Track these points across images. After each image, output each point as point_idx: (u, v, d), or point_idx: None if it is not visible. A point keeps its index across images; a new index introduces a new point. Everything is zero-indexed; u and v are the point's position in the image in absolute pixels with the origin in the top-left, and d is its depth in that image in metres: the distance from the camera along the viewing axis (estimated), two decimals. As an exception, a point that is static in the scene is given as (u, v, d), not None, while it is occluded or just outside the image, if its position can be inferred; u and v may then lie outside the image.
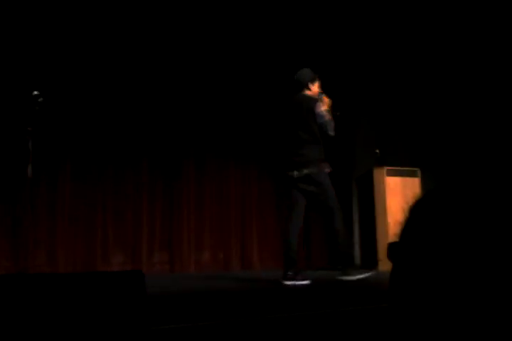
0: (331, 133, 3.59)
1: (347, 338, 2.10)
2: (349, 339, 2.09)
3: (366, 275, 3.78)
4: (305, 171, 3.61)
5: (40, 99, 3.21)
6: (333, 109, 3.67)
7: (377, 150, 5.12)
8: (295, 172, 3.65)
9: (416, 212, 0.74)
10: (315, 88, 3.72)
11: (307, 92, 3.72)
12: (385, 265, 5.01)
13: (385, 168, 5.07)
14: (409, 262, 0.69)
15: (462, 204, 0.65)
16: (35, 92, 3.21)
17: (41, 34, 4.57)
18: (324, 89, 3.86)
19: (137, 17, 5.03)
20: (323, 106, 3.60)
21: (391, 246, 0.82)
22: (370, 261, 5.36)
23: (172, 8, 5.17)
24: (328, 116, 3.57)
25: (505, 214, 0.61)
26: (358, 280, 3.69)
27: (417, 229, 0.72)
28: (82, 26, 4.78)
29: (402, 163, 5.25)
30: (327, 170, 3.66)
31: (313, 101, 3.62)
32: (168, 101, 5.26)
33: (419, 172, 5.18)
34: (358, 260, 5.87)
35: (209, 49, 5.40)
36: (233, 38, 5.48)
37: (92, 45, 4.85)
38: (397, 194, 5.01)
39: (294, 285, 3.58)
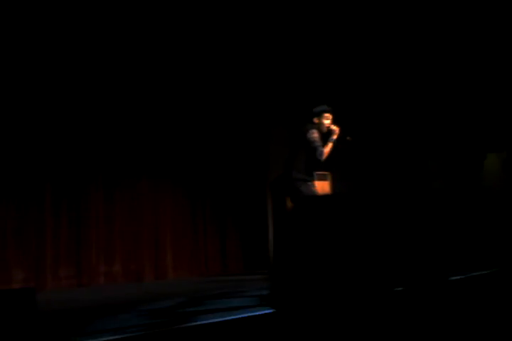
0: (319, 157, 4.01)
1: None
2: None
3: None
4: None
5: None
6: (341, 136, 4.12)
7: (348, 137, 5.19)
8: None
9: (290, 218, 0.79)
10: (319, 120, 4.12)
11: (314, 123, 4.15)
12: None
13: (297, 172, 5.15)
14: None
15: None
16: None
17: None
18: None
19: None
20: (315, 134, 4.04)
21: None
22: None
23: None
24: (316, 143, 4.00)
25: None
26: None
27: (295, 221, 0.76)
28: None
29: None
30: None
31: (309, 128, 4.05)
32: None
33: (329, 176, 5.33)
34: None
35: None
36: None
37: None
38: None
39: None
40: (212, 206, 5.89)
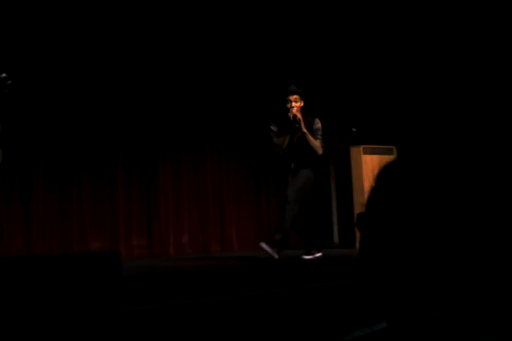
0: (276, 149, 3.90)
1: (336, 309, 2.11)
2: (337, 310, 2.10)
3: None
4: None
5: (9, 82, 3.10)
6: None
7: (354, 129, 5.12)
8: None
9: (380, 180, 0.73)
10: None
11: None
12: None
13: (362, 147, 5.08)
14: (376, 229, 0.68)
15: (425, 171, 0.64)
16: (4, 75, 3.09)
17: (9, 15, 4.40)
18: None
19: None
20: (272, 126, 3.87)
21: (359, 216, 0.80)
22: (348, 239, 5.42)
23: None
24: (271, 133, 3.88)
25: (464, 180, 0.61)
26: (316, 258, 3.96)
27: (383, 196, 0.71)
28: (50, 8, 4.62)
29: (378, 141, 5.26)
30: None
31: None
32: (146, 97, 5.15)
33: (395, 150, 5.20)
34: (336, 239, 5.93)
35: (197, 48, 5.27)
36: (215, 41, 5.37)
37: (64, 30, 4.69)
38: (374, 172, 5.04)
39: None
40: (275, 182, 5.94)
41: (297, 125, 3.76)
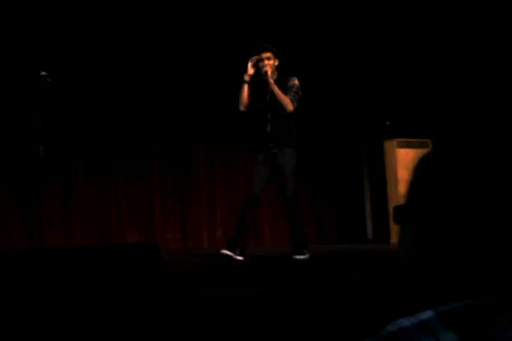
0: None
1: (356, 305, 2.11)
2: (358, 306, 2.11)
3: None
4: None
5: (49, 80, 3.20)
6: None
7: (387, 122, 5.06)
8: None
9: (420, 172, 0.73)
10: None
11: None
12: (397, 238, 5.01)
13: (396, 140, 5.02)
14: (418, 221, 0.69)
15: (464, 160, 0.64)
16: (43, 73, 3.19)
17: (51, 14, 4.52)
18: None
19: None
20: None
21: (397, 209, 0.81)
22: (382, 234, 5.37)
23: None
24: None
25: (503, 168, 0.61)
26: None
27: (423, 188, 0.71)
28: (95, 9, 4.72)
29: (412, 134, 5.18)
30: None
31: None
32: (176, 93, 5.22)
33: (430, 144, 5.11)
34: (370, 234, 5.88)
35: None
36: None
37: (104, 27, 4.79)
38: (409, 166, 4.97)
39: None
40: (306, 176, 5.92)
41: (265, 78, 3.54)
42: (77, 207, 4.70)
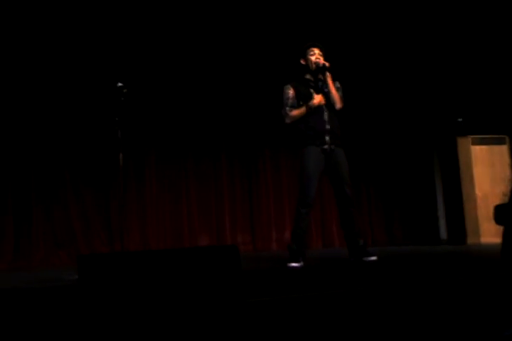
0: (285, 120, 3.58)
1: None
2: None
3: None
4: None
5: (125, 90, 3.35)
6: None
7: (460, 119, 4.87)
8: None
9: None
10: (305, 60, 3.58)
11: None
12: (473, 238, 4.81)
13: (470, 137, 4.83)
14: None
15: None
16: (120, 84, 3.35)
17: (126, 26, 4.75)
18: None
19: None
20: (286, 90, 3.59)
21: (499, 209, 0.78)
22: (457, 235, 5.16)
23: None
24: (284, 100, 3.59)
25: None
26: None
27: None
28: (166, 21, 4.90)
29: (487, 130, 4.96)
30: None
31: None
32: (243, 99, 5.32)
33: (507, 140, 4.87)
34: (444, 234, 5.67)
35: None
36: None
37: (172, 39, 4.97)
38: (484, 163, 4.76)
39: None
40: (375, 175, 5.81)
41: (322, 76, 3.46)
42: (151, 212, 4.89)
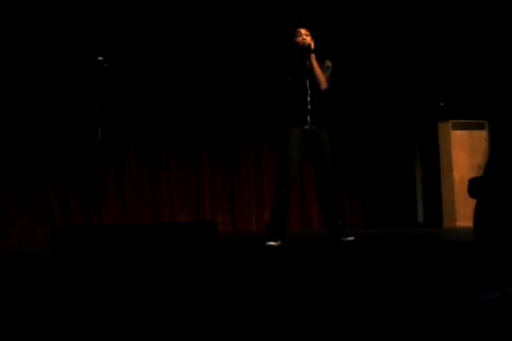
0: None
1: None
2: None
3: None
4: None
5: (105, 65, 3.27)
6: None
7: (442, 103, 4.90)
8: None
9: (503, 145, 0.71)
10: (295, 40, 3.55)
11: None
12: (449, 222, 4.89)
13: (450, 122, 4.86)
14: (498, 195, 0.66)
15: None
16: (100, 58, 3.26)
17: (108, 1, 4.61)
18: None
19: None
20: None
21: (473, 182, 0.78)
22: (433, 218, 5.24)
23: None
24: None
25: None
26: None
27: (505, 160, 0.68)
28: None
29: (468, 115, 5.00)
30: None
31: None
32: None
33: (486, 125, 4.92)
34: (421, 218, 5.76)
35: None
36: None
37: (159, 13, 4.85)
38: (464, 148, 4.81)
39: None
40: (355, 159, 5.83)
41: (307, 56, 3.42)
42: (130, 190, 4.84)
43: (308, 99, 3.47)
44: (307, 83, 3.49)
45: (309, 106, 3.47)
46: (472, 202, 0.72)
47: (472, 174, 0.77)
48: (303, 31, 3.52)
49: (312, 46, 3.47)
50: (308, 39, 3.49)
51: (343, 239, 3.55)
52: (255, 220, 5.39)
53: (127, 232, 1.99)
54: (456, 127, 4.86)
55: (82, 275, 1.87)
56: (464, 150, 4.80)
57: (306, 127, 3.46)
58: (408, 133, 5.74)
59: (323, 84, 3.48)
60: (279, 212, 3.51)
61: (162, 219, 4.94)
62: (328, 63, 3.59)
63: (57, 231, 1.84)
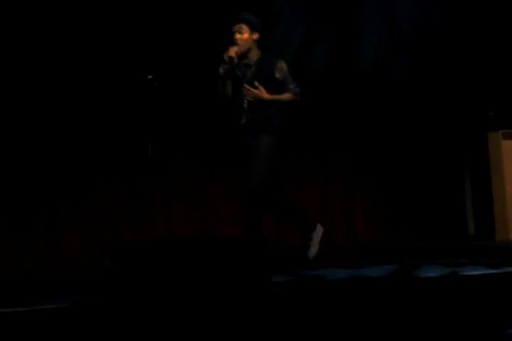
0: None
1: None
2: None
3: None
4: None
5: (155, 83, 3.34)
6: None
7: (491, 113, 4.78)
8: None
9: None
10: None
11: None
12: (502, 234, 4.74)
13: (501, 132, 4.74)
14: None
15: None
16: (150, 76, 3.33)
17: (157, 19, 4.74)
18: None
19: None
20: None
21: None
22: (485, 231, 5.09)
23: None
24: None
25: None
26: None
27: None
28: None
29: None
30: None
31: None
32: None
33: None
34: (472, 231, 5.59)
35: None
36: None
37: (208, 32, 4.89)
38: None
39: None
40: (403, 173, 5.72)
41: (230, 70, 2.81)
42: (177, 202, 4.94)
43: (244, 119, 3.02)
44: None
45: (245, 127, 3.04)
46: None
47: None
48: (234, 28, 2.91)
49: (235, 56, 2.82)
50: (243, 37, 2.85)
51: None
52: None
53: (182, 246, 2.05)
54: (506, 137, 4.74)
55: (139, 285, 1.93)
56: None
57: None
58: (457, 143, 5.60)
59: (292, 100, 2.96)
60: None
61: (208, 231, 5.00)
62: (282, 68, 2.92)
63: (117, 245, 1.92)
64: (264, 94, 2.86)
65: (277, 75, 2.90)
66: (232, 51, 2.83)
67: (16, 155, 4.37)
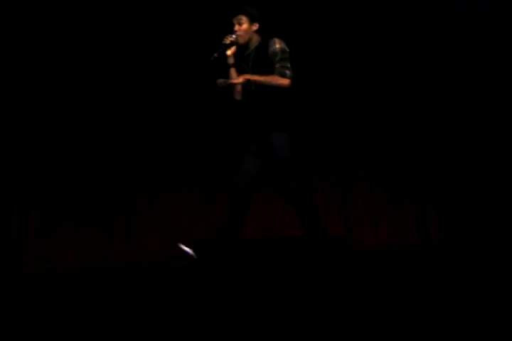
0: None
1: None
2: None
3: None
4: None
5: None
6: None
7: None
8: None
9: None
10: None
11: None
12: None
13: None
14: None
15: None
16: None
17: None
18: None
19: None
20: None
21: None
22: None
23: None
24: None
25: None
26: None
27: None
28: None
29: None
30: None
31: None
32: None
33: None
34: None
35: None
36: None
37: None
38: None
39: None
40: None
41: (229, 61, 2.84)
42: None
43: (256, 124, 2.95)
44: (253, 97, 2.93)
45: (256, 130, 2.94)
46: None
47: None
48: (234, 21, 2.93)
49: (229, 40, 2.85)
50: (242, 28, 2.89)
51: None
52: (370, 233, 5.30)
53: (258, 245, 2.11)
54: None
55: (220, 281, 2.00)
56: None
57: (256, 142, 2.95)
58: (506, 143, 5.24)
59: (283, 85, 2.81)
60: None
61: (276, 230, 5.07)
62: (274, 45, 2.84)
63: (199, 244, 2.02)
64: (245, 76, 2.84)
65: (269, 51, 2.86)
66: (228, 39, 2.88)
67: (104, 156, 4.63)
